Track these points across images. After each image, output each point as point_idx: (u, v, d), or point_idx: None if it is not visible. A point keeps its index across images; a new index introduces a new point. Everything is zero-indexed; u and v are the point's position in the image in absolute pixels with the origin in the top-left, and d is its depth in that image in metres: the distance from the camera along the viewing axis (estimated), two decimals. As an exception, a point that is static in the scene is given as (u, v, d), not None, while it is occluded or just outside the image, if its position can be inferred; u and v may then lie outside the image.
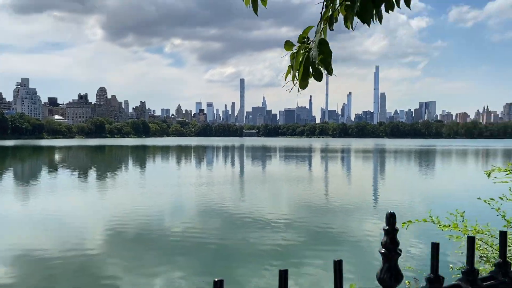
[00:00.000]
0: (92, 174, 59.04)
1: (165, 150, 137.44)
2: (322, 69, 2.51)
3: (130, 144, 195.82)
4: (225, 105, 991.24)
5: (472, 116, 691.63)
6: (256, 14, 2.60)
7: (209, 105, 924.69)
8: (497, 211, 6.23)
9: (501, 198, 6.17)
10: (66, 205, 31.82)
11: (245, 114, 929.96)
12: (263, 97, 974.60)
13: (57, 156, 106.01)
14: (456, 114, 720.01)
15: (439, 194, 37.73)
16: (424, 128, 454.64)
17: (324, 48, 2.46)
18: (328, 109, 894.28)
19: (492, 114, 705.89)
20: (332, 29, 2.53)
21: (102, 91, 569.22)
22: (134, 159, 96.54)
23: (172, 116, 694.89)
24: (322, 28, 2.53)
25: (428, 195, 36.70)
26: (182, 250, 19.18)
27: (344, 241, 21.01)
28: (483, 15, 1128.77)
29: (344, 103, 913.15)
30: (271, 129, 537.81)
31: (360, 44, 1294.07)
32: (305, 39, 2.57)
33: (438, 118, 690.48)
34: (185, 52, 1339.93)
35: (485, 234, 5.82)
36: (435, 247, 1.68)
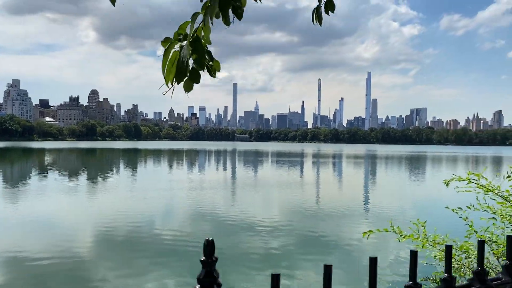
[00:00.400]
0: (83, 177, 58.65)
1: (156, 154, 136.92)
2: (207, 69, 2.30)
3: (121, 147, 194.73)
4: (218, 109, 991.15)
5: (462, 123, 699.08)
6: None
7: (202, 109, 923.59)
8: (465, 220, 6.18)
9: (469, 208, 6.07)
10: (55, 208, 31.58)
11: (237, 118, 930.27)
12: (256, 102, 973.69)
13: (47, 159, 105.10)
14: (447, 121, 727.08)
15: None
16: (414, 134, 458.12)
17: (197, 46, 2.22)
18: (320, 114, 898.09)
19: (482, 121, 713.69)
20: (226, 24, 2.28)
21: (94, 94, 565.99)
22: (126, 163, 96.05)
23: (165, 120, 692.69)
24: (202, 22, 2.23)
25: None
26: (172, 254, 19.14)
27: (331, 245, 21.11)
28: (474, 24, 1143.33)
29: (336, 109, 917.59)
30: (263, 134, 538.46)
31: (352, 50, 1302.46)
32: (180, 36, 2.27)
33: (429, 124, 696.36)
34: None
35: (443, 244, 5.70)
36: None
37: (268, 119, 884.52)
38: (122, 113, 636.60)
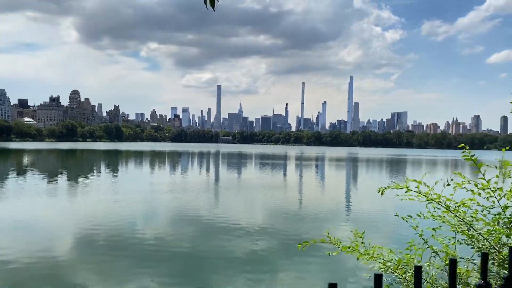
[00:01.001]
0: (61, 179, 57.54)
1: (137, 155, 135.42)
2: None
3: (102, 149, 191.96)
4: (201, 111, 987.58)
5: (442, 127, 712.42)
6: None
7: (185, 110, 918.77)
8: (415, 229, 5.87)
9: (419, 216, 5.63)
10: (33, 211, 30.88)
11: (221, 120, 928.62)
12: (240, 104, 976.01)
13: (25, 160, 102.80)
14: (427, 124, 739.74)
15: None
16: (395, 138, 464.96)
17: None
18: (304, 117, 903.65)
19: (461, 126, 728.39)
20: None
21: (75, 94, 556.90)
22: (107, 164, 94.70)
23: (147, 121, 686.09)
24: None
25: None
26: (154, 257, 18.91)
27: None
28: (454, 30, 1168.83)
29: (319, 112, 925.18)
30: (247, 136, 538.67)
31: (336, 54, 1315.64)
32: None
33: (410, 128, 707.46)
34: (161, 56, 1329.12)
35: (382, 255, 5.32)
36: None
37: (252, 121, 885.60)
38: (104, 114, 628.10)
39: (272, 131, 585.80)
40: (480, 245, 5.32)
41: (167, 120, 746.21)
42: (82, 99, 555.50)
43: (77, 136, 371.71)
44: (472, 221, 5.36)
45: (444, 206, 5.39)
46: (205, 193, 43.25)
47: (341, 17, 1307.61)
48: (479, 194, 5.21)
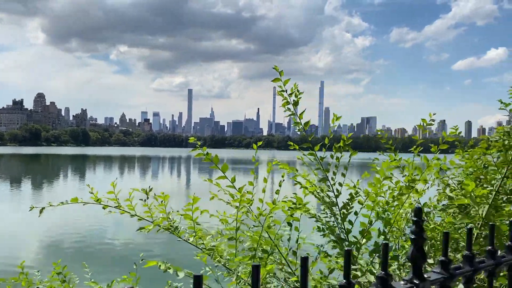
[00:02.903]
0: (23, 185, 54.50)
1: (101, 160, 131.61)
2: None
3: (67, 153, 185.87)
4: (172, 115, 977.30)
5: (410, 131, 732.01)
6: None
7: (156, 114, 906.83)
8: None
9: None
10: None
11: (192, 124, 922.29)
12: (212, 108, 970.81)
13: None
14: (395, 129, 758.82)
15: None
16: (364, 142, 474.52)
17: None
18: (275, 122, 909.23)
19: (427, 130, 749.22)
20: None
21: (40, 97, 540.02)
22: (73, 170, 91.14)
23: (115, 125, 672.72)
24: None
25: None
26: (111, 263, 17.34)
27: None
28: (422, 37, 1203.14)
29: (290, 117, 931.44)
30: (218, 140, 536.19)
31: (307, 59, 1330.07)
32: None
33: (379, 133, 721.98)
34: (132, 59, 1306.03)
35: None
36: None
37: (224, 126, 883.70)
38: (71, 117, 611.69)
39: (243, 136, 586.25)
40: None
41: (137, 124, 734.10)
42: (48, 103, 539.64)
43: (41, 141, 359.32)
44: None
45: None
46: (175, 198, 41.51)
47: (313, 23, 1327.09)
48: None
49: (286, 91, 3.31)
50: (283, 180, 4.48)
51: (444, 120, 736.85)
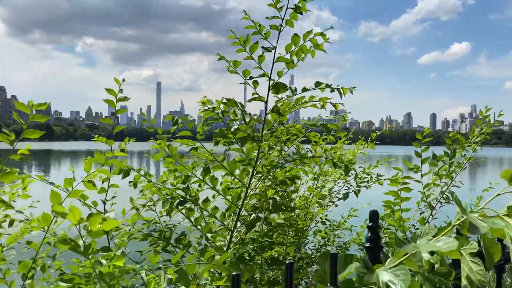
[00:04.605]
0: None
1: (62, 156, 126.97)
2: None
3: (29, 149, 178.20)
4: (141, 109, 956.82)
5: (377, 124, 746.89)
6: None
7: (123, 107, 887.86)
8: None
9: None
10: None
11: (162, 118, 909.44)
12: (181, 102, 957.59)
13: None
14: (363, 122, 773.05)
15: None
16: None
17: None
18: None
19: (394, 123, 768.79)
20: None
21: (1, 90, 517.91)
22: (36, 167, 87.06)
23: (81, 119, 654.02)
24: None
25: None
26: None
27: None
28: (389, 31, 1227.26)
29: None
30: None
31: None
32: None
33: (347, 126, 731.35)
34: (98, 52, 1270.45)
35: None
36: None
37: (195, 119, 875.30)
38: (34, 112, 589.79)
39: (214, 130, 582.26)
40: None
41: (104, 118, 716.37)
42: (9, 96, 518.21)
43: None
44: None
45: None
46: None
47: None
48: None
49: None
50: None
51: (410, 113, 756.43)
